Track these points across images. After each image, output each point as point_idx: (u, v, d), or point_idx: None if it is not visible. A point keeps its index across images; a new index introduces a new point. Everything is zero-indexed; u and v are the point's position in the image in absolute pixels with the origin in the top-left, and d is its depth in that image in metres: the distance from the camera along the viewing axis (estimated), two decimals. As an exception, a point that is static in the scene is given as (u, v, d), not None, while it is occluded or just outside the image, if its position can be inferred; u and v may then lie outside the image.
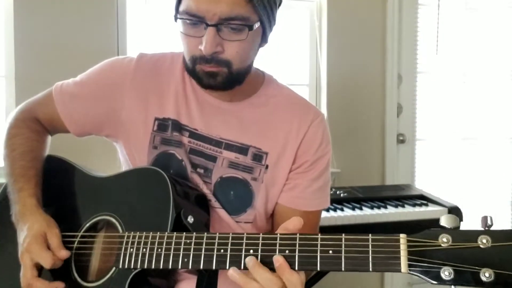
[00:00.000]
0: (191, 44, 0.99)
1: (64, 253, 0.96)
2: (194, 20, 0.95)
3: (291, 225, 0.83)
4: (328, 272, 2.10)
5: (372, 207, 2.05)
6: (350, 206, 2.06)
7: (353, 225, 1.95)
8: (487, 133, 3.01)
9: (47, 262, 0.93)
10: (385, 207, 2.05)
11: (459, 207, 2.07)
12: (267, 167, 1.09)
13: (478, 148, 3.00)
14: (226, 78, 1.00)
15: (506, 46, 2.97)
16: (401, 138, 2.83)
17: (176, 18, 0.99)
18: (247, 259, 0.80)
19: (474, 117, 2.97)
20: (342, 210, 2.02)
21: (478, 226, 0.73)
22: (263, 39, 1.05)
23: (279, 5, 1.06)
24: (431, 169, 2.92)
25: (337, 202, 2.09)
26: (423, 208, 2.08)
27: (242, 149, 1.09)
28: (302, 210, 1.10)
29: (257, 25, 0.97)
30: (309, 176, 1.10)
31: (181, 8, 0.97)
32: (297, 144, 1.09)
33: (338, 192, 2.15)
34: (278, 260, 0.78)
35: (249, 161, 1.09)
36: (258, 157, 1.09)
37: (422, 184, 2.77)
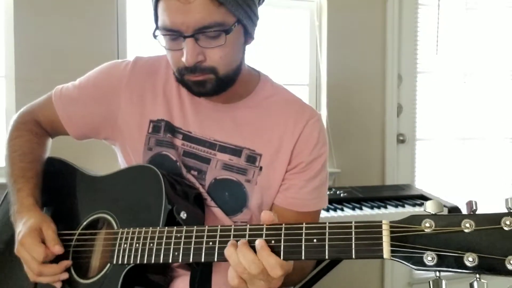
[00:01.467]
0: (175, 57, 0.99)
1: (58, 248, 0.97)
2: (171, 34, 0.96)
3: (262, 221, 0.84)
4: (329, 271, 2.10)
5: (372, 207, 2.05)
6: (350, 206, 2.06)
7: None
8: (487, 133, 3.01)
9: (38, 256, 0.95)
10: (385, 207, 2.05)
11: (459, 207, 2.07)
12: (261, 168, 1.08)
13: (478, 148, 3.00)
14: (215, 84, 0.99)
15: (506, 46, 2.97)
16: (401, 138, 2.83)
17: (154, 36, 0.99)
18: (239, 241, 0.81)
19: (474, 117, 2.97)
20: (342, 210, 2.02)
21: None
22: (248, 36, 1.04)
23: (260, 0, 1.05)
24: (431, 169, 2.92)
25: (337, 202, 2.09)
26: (423, 208, 2.08)
27: (236, 151, 1.09)
28: (298, 210, 1.10)
29: (234, 26, 0.96)
30: (304, 176, 1.09)
31: (159, 24, 0.98)
32: (292, 145, 1.08)
33: (338, 192, 2.15)
34: (259, 243, 0.80)
35: (242, 162, 1.08)
36: (252, 158, 1.08)
37: (422, 184, 2.77)
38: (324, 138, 1.12)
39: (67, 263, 0.99)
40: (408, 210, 2.05)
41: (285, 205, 1.10)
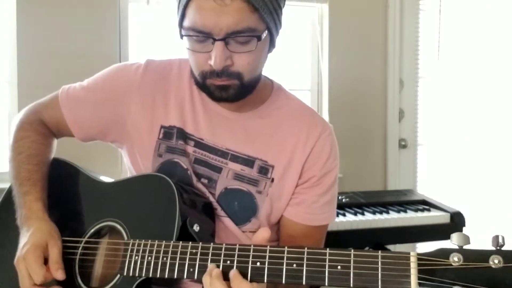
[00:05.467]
0: (199, 59, 0.97)
1: (60, 274, 0.93)
2: (201, 36, 0.94)
3: (260, 237, 0.85)
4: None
5: (374, 212, 2.04)
6: (352, 211, 2.05)
7: (355, 230, 1.95)
8: (489, 138, 3.00)
9: (37, 278, 0.92)
10: (387, 212, 2.05)
11: (462, 212, 2.07)
12: (272, 180, 1.07)
13: (480, 153, 2.99)
14: (238, 90, 0.98)
15: (508, 52, 2.97)
16: (402, 143, 2.82)
17: (181, 36, 0.97)
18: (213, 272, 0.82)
19: (476, 122, 2.97)
20: (344, 215, 2.02)
21: (485, 237, 0.73)
22: (271, 45, 1.03)
23: (283, 6, 1.04)
24: (433, 174, 2.92)
25: (339, 207, 2.07)
26: (425, 213, 2.08)
27: (248, 161, 1.07)
28: (308, 224, 1.09)
29: (265, 33, 0.96)
30: (316, 191, 1.08)
31: (186, 24, 0.95)
32: (304, 158, 1.07)
33: (340, 197, 2.15)
34: (232, 272, 0.82)
35: (254, 173, 1.07)
36: (264, 170, 1.07)
37: (424, 189, 2.76)
38: (336, 152, 1.10)
39: None
40: (411, 216, 2.04)
41: (295, 219, 1.09)
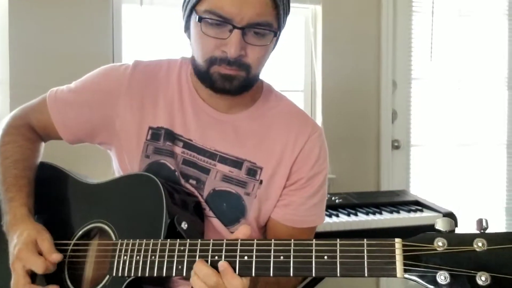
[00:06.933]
0: (211, 44, 0.96)
1: (55, 256, 0.94)
2: (220, 21, 0.93)
3: (240, 234, 0.84)
4: (323, 278, 2.10)
5: (367, 213, 2.04)
6: (345, 212, 2.06)
7: (348, 231, 1.95)
8: (481, 139, 3.02)
9: (39, 268, 0.92)
10: (380, 213, 2.06)
11: (454, 212, 2.08)
12: (261, 182, 1.06)
13: (472, 154, 3.01)
14: (242, 83, 0.99)
15: (500, 53, 2.99)
16: (396, 144, 2.83)
17: (201, 18, 0.95)
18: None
19: (469, 123, 2.98)
20: (337, 216, 2.02)
21: (474, 230, 0.73)
22: (274, 46, 1.06)
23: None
24: (426, 175, 2.93)
25: (332, 208, 2.08)
26: (418, 214, 2.08)
27: (237, 163, 1.06)
28: (295, 226, 1.08)
29: (279, 32, 0.99)
30: (304, 193, 1.08)
31: (203, 7, 0.95)
32: (293, 160, 1.07)
33: (333, 198, 2.15)
34: (222, 265, 0.81)
35: (243, 175, 1.06)
36: (253, 171, 1.06)
37: (417, 190, 2.77)
38: (325, 154, 1.10)
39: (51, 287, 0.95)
40: (403, 216, 2.05)
41: (282, 220, 1.09)
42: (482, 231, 0.71)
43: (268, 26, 0.95)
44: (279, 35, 1.02)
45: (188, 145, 1.08)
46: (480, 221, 0.72)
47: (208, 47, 0.97)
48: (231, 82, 0.98)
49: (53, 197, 1.12)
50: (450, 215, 2.06)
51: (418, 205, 2.18)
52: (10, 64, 2.18)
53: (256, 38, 0.96)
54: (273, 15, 0.96)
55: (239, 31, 0.93)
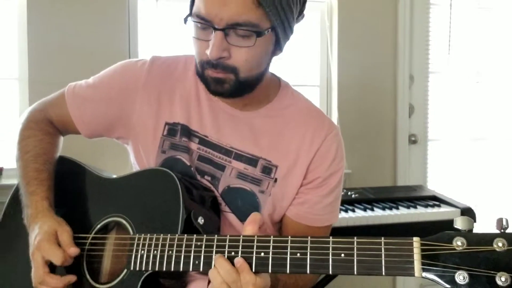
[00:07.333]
0: (200, 48, 0.97)
1: (73, 250, 0.96)
2: (203, 24, 0.94)
3: (251, 218, 0.85)
4: (336, 276, 2.09)
5: (383, 208, 2.03)
6: (362, 207, 2.05)
7: (365, 226, 1.94)
8: (499, 133, 2.98)
9: (57, 259, 0.94)
10: (397, 208, 2.04)
11: (472, 208, 2.05)
12: (275, 180, 1.06)
13: (490, 149, 2.97)
14: (234, 86, 0.97)
15: (519, 46, 2.94)
16: (413, 138, 2.81)
17: (185, 20, 0.97)
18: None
19: (487, 117, 2.94)
20: (353, 211, 2.01)
21: (493, 228, 0.72)
22: (277, 47, 1.02)
23: (299, 16, 1.04)
24: (443, 169, 2.90)
25: (348, 203, 2.08)
26: (435, 209, 2.06)
27: (252, 161, 1.07)
28: (309, 225, 1.09)
29: (267, 32, 0.94)
30: (320, 192, 1.07)
31: (194, 10, 0.96)
32: (309, 159, 1.06)
33: (349, 193, 2.14)
34: (238, 261, 0.81)
35: (258, 173, 1.06)
36: (268, 169, 1.06)
37: (434, 185, 2.75)
38: (342, 153, 1.10)
39: (70, 278, 0.97)
40: (421, 211, 2.03)
41: (297, 218, 1.09)
42: (502, 230, 0.70)
43: (250, 26, 0.92)
44: (280, 35, 0.99)
45: (204, 142, 1.08)
46: (500, 220, 0.70)
47: (198, 50, 0.98)
48: (222, 86, 0.97)
49: (71, 191, 1.14)
50: (468, 210, 2.04)
51: (436, 200, 2.16)
52: (29, 61, 2.21)
53: (240, 39, 0.93)
54: (258, 14, 0.92)
55: (219, 32, 0.92)
